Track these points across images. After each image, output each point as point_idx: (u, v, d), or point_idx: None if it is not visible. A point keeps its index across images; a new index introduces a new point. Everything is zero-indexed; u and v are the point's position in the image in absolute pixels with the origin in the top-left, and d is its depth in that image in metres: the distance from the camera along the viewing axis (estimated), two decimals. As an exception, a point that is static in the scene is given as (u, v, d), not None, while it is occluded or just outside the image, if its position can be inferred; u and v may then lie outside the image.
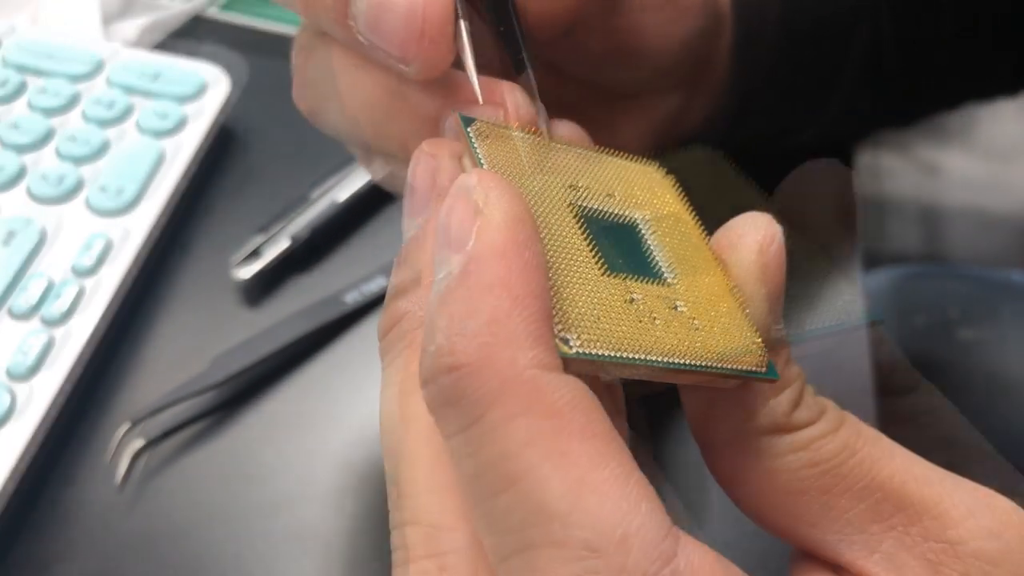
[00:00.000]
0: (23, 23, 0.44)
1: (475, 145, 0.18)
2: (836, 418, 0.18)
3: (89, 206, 0.36)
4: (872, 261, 0.69)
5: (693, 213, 0.20)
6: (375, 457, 0.33)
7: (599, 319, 0.16)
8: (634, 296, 0.17)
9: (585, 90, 0.29)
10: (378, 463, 0.20)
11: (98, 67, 0.41)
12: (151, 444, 0.33)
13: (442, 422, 0.15)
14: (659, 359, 0.16)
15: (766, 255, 0.19)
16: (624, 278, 0.17)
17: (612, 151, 0.21)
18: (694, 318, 0.17)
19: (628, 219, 0.19)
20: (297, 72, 0.25)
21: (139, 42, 0.44)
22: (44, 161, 0.38)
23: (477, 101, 0.21)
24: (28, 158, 0.38)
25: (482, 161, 0.18)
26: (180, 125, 0.39)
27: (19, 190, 0.37)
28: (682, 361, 0.17)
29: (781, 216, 0.19)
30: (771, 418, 0.18)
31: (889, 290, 0.62)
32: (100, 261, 0.35)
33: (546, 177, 0.19)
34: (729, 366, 0.17)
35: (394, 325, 0.18)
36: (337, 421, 0.34)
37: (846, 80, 0.36)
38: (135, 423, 0.32)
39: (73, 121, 0.39)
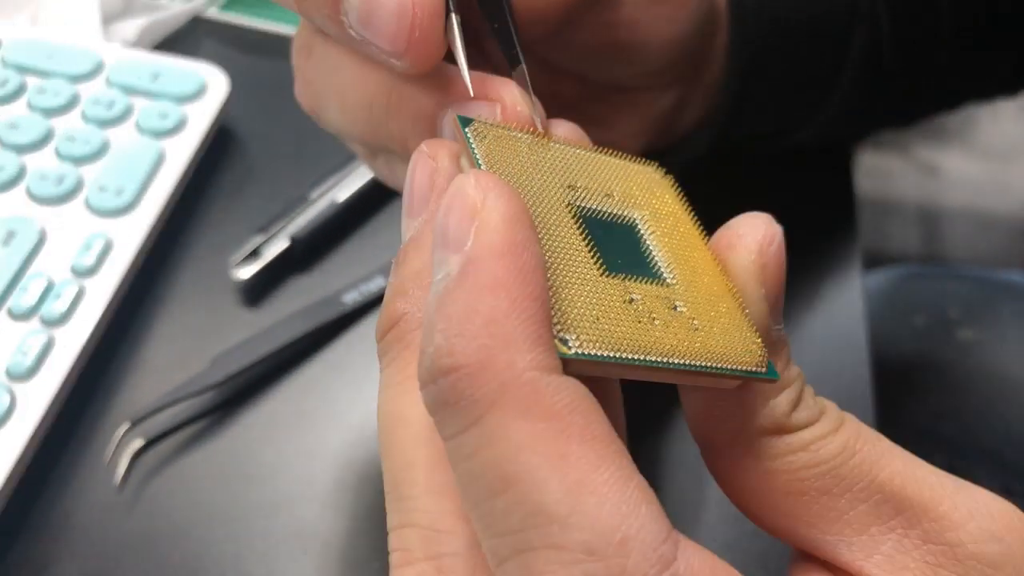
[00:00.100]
0: (23, 23, 0.44)
1: (473, 145, 0.18)
2: (836, 419, 0.18)
3: (89, 206, 0.36)
4: (872, 261, 0.69)
5: (692, 213, 0.20)
6: (375, 457, 0.33)
7: (598, 319, 0.16)
8: (633, 296, 0.17)
9: (580, 86, 0.29)
10: (378, 463, 0.20)
11: (98, 67, 0.41)
12: (150, 444, 0.33)
13: (441, 423, 0.15)
14: (659, 359, 0.16)
15: (765, 255, 0.19)
16: (623, 278, 0.17)
17: (610, 151, 0.21)
18: (693, 318, 0.17)
19: (627, 219, 0.19)
20: (298, 71, 0.25)
21: (139, 42, 0.44)
22: (44, 161, 0.38)
23: (470, 96, 0.21)
24: (28, 158, 0.38)
25: (480, 161, 0.18)
26: (180, 125, 0.39)
27: (19, 190, 0.37)
28: (682, 361, 0.17)
29: None
30: (771, 418, 0.18)
31: (889, 290, 0.62)
32: (100, 261, 0.35)
33: (544, 177, 0.19)
34: (729, 366, 0.17)
35: (392, 326, 0.18)
36: (337, 421, 0.34)
37: (845, 80, 0.36)
38: (134, 423, 0.32)
39: (73, 121, 0.39)
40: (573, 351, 0.15)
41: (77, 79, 0.40)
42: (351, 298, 0.36)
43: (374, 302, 0.37)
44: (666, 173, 0.21)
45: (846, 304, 0.38)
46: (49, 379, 0.32)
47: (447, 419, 0.15)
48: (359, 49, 0.22)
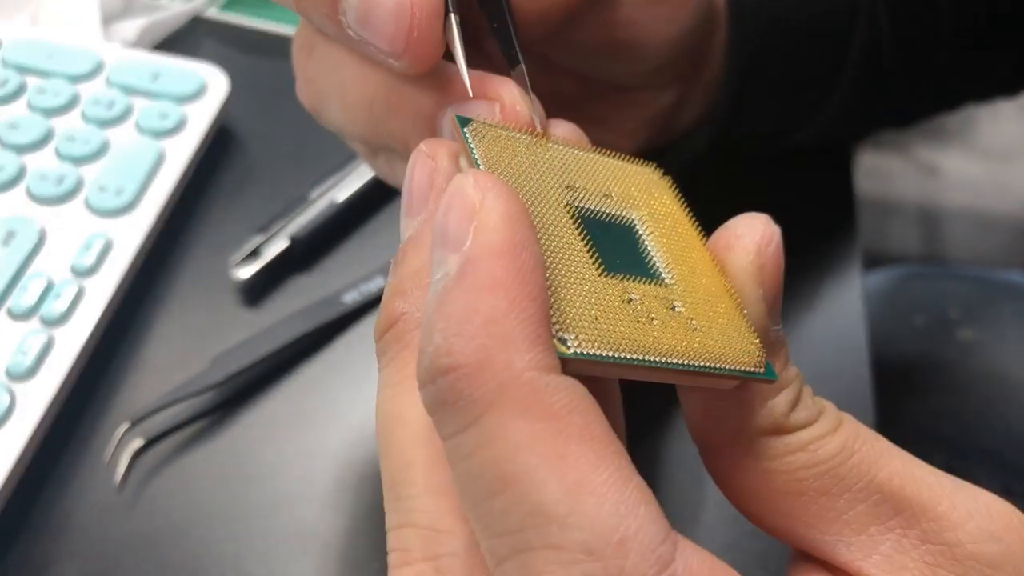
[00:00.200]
0: (23, 23, 0.44)
1: (472, 145, 0.18)
2: (834, 419, 0.18)
3: (88, 206, 0.36)
4: (872, 261, 0.69)
5: (690, 214, 0.20)
6: (374, 457, 0.33)
7: (597, 319, 0.16)
8: (632, 296, 0.17)
9: (579, 84, 0.29)
10: (377, 463, 0.20)
11: (98, 67, 0.41)
12: (150, 444, 0.33)
13: (440, 423, 0.15)
14: (657, 359, 0.16)
15: (763, 256, 0.19)
16: (621, 278, 0.17)
17: (609, 152, 0.21)
18: (692, 319, 0.17)
19: (625, 219, 0.19)
20: (298, 69, 0.25)
21: (139, 42, 0.44)
22: (44, 161, 0.38)
23: (469, 96, 0.21)
24: (28, 158, 0.38)
25: (479, 161, 0.18)
26: (180, 125, 0.39)
27: (19, 190, 0.37)
28: (680, 362, 0.17)
29: None
30: (769, 419, 0.18)
31: (889, 290, 0.62)
32: (99, 261, 0.35)
33: (543, 177, 0.19)
34: (727, 367, 0.17)
35: (391, 326, 0.18)
36: (336, 421, 0.34)
37: (845, 80, 0.36)
38: (134, 423, 0.32)
39: (73, 121, 0.39)
40: (572, 351, 0.15)
41: (77, 79, 0.40)
42: (351, 298, 0.36)
43: (374, 302, 0.37)
44: (664, 174, 0.21)
45: (846, 304, 0.38)
46: (49, 379, 0.32)
47: (446, 419, 0.15)
48: (358, 49, 0.22)
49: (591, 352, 0.15)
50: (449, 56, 0.21)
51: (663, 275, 0.18)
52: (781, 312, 0.19)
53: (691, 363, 0.17)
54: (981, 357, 0.56)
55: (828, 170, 0.42)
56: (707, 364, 0.17)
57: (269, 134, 0.43)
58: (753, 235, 0.19)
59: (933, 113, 0.44)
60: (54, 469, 0.32)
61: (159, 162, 0.38)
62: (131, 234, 0.36)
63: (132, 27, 0.44)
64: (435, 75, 0.22)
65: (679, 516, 0.32)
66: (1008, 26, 0.40)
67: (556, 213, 0.18)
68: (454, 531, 0.16)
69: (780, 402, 0.18)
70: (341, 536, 0.31)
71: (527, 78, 0.22)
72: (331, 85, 0.24)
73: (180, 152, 0.39)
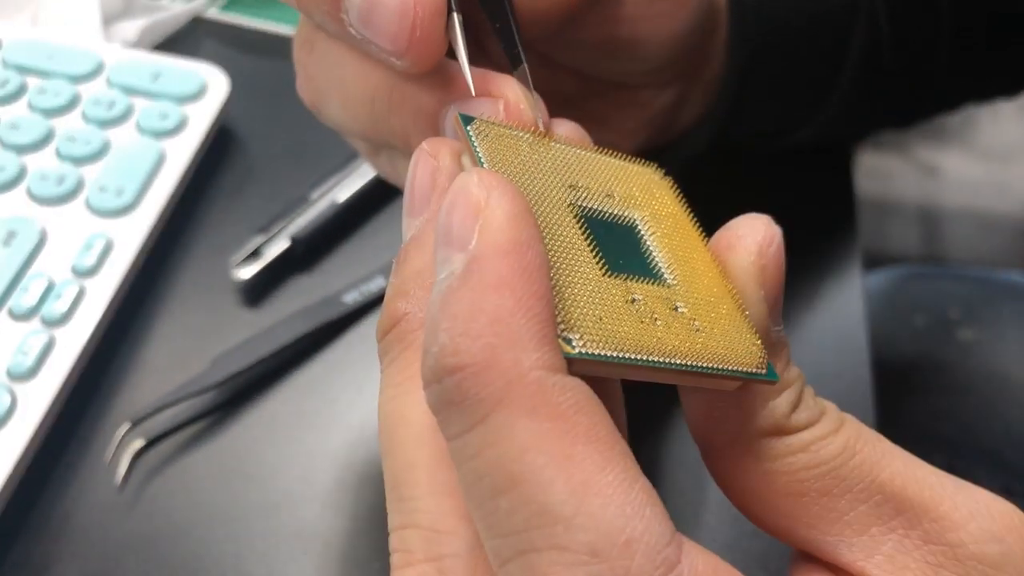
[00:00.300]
0: (23, 23, 0.44)
1: (475, 144, 0.18)
2: (836, 419, 0.18)
3: (89, 206, 0.36)
4: (872, 261, 0.69)
5: (691, 214, 0.20)
6: (375, 457, 0.33)
7: (601, 319, 0.16)
8: (635, 296, 0.17)
9: (580, 82, 0.29)
10: (378, 463, 0.20)
11: (98, 68, 0.41)
12: (151, 444, 0.33)
13: (445, 423, 0.15)
14: (661, 360, 0.16)
15: (765, 256, 0.19)
16: (625, 278, 0.17)
17: (611, 152, 0.21)
18: (694, 319, 0.17)
19: (627, 219, 0.19)
20: (299, 66, 0.25)
21: (139, 43, 0.44)
22: (44, 161, 0.38)
23: (471, 95, 0.21)
24: (28, 158, 0.38)
25: (483, 160, 0.18)
26: (180, 126, 0.39)
27: (19, 191, 0.37)
28: (684, 362, 0.17)
29: None
30: (771, 419, 0.18)
31: (889, 290, 0.62)
32: (100, 261, 0.35)
33: (546, 177, 0.19)
34: (730, 367, 0.17)
35: (393, 326, 0.18)
36: (337, 421, 0.34)
37: (845, 80, 0.36)
38: (135, 423, 0.32)
39: (73, 122, 0.39)
40: (577, 350, 0.15)
41: (78, 79, 0.40)
42: (351, 298, 0.36)
43: (374, 302, 0.37)
44: (665, 174, 0.21)
45: (846, 304, 0.38)
46: (50, 379, 0.32)
47: (451, 418, 0.15)
48: (360, 47, 0.22)
49: (596, 352, 0.15)
50: (451, 54, 0.21)
51: (665, 276, 0.18)
52: (781, 313, 0.19)
53: (694, 364, 0.17)
54: (981, 357, 0.56)
55: (828, 170, 0.42)
56: (710, 365, 0.17)
57: (269, 134, 0.43)
58: (755, 236, 0.19)
59: (933, 113, 0.44)
60: (55, 469, 0.32)
61: (160, 162, 0.38)
62: (132, 234, 0.36)
63: (132, 27, 0.44)
64: (437, 72, 0.22)
65: (680, 516, 0.32)
66: (1008, 26, 0.40)
67: (559, 212, 0.18)
68: (457, 532, 0.16)
69: (782, 403, 0.18)
70: (342, 536, 0.31)
71: (529, 76, 0.22)
72: (332, 81, 0.24)
73: (180, 152, 0.39)
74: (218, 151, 0.41)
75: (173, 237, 0.38)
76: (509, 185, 0.16)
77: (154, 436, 0.33)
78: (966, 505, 0.17)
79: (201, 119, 0.40)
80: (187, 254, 0.38)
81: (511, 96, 0.21)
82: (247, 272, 0.36)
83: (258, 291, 0.37)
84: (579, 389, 0.15)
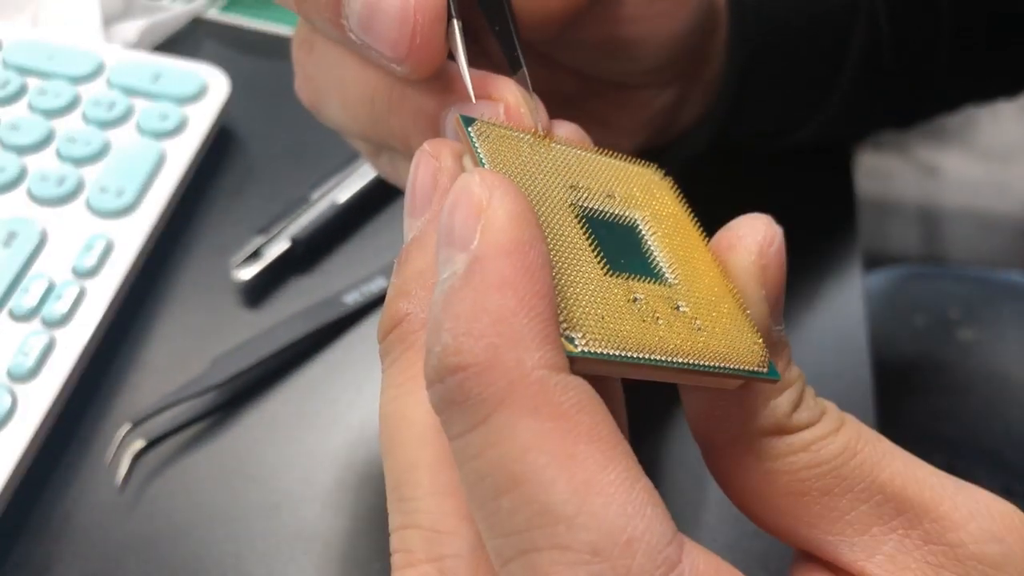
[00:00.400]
0: (24, 24, 0.44)
1: (476, 145, 0.18)
2: (837, 419, 0.18)
3: (89, 207, 0.36)
4: (872, 261, 0.69)
5: (692, 215, 0.20)
6: (375, 457, 0.33)
7: (603, 318, 0.16)
8: (637, 296, 0.17)
9: (580, 82, 0.29)
10: (379, 464, 0.20)
11: (98, 68, 0.41)
12: (151, 445, 0.33)
13: (447, 423, 0.15)
14: (663, 359, 0.16)
15: (766, 256, 0.19)
16: (626, 278, 0.17)
17: (611, 152, 0.21)
18: (696, 318, 0.17)
19: (628, 219, 0.19)
20: (298, 66, 0.25)
21: (139, 43, 0.44)
22: (45, 162, 0.38)
23: (471, 99, 0.21)
24: (29, 159, 0.38)
25: (484, 161, 0.18)
26: (180, 126, 0.39)
27: (20, 191, 0.37)
28: (685, 361, 0.17)
29: None
30: (772, 419, 0.18)
31: (889, 290, 0.62)
32: (101, 262, 0.35)
33: (547, 177, 0.19)
34: (731, 366, 0.17)
35: (395, 327, 0.18)
36: (337, 421, 0.34)
37: (845, 80, 0.36)
38: (135, 424, 0.32)
39: (73, 122, 0.39)
40: (579, 349, 0.15)
41: (78, 80, 0.40)
42: (352, 299, 0.36)
43: (375, 303, 0.37)
44: (665, 175, 0.21)
45: (846, 304, 0.38)
46: (50, 380, 0.32)
47: (454, 418, 0.15)
48: (360, 52, 0.22)
49: (599, 351, 0.15)
50: (451, 57, 0.21)
51: (667, 275, 0.18)
52: (782, 312, 0.19)
53: (696, 363, 0.17)
54: (981, 357, 0.56)
55: (828, 170, 0.42)
56: (712, 364, 0.17)
57: (270, 135, 0.43)
58: (755, 236, 0.19)
59: (933, 114, 0.44)
60: (55, 470, 0.32)
61: (160, 163, 0.38)
62: (132, 235, 0.36)
63: (133, 28, 0.44)
64: (439, 76, 0.22)
65: (680, 516, 0.32)
66: (1008, 26, 0.40)
67: (561, 213, 0.18)
68: (458, 532, 0.16)
69: (782, 402, 0.18)
70: (342, 537, 0.31)
71: (529, 80, 0.22)
72: (331, 82, 0.24)
73: (181, 153, 0.39)
74: (218, 152, 0.41)
75: (173, 238, 0.38)
76: (511, 185, 0.16)
77: (154, 437, 0.33)
78: (966, 505, 0.17)
79: (201, 120, 0.40)
80: (187, 255, 0.38)
81: (511, 100, 0.21)
82: (247, 273, 0.36)
83: (258, 292, 0.37)
84: (581, 388, 0.15)
